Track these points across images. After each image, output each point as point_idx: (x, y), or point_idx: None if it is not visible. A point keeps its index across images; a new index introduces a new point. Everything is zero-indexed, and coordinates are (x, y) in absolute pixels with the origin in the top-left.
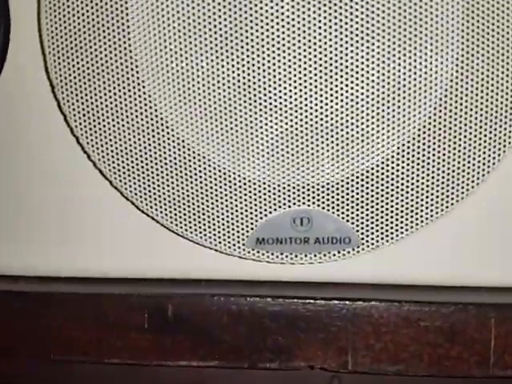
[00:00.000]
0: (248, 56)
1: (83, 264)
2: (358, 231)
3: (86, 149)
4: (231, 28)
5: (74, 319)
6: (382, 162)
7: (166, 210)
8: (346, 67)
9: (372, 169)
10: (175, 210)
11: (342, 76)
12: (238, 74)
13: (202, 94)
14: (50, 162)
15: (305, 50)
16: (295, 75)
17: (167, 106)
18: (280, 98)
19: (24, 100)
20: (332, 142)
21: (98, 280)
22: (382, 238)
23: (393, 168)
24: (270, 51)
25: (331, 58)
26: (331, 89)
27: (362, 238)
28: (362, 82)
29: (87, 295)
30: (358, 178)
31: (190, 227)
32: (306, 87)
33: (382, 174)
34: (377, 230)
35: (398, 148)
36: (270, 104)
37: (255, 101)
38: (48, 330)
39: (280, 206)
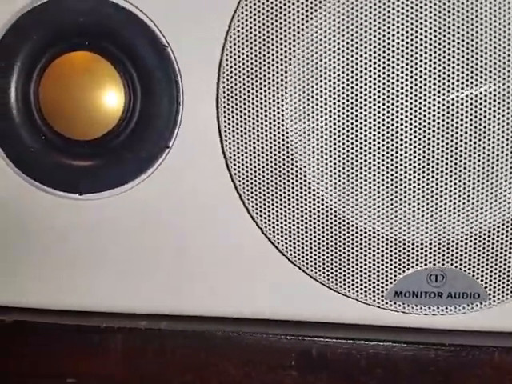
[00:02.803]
0: (382, 126)
1: (235, 306)
2: (486, 287)
3: (251, 212)
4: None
5: (227, 357)
6: (508, 221)
7: (317, 265)
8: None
9: (499, 226)
10: (325, 265)
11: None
12: (377, 147)
13: (348, 168)
14: (214, 220)
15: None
16: (422, 137)
17: (318, 176)
18: (416, 159)
19: (197, 169)
20: (463, 201)
21: (248, 320)
22: (508, 294)
23: None
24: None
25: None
26: (459, 150)
27: (489, 294)
28: (489, 142)
29: (242, 335)
30: (487, 235)
31: (337, 279)
32: (433, 147)
33: (509, 231)
34: (503, 287)
35: None
36: (408, 167)
37: (397, 168)
38: (206, 366)
39: (417, 264)
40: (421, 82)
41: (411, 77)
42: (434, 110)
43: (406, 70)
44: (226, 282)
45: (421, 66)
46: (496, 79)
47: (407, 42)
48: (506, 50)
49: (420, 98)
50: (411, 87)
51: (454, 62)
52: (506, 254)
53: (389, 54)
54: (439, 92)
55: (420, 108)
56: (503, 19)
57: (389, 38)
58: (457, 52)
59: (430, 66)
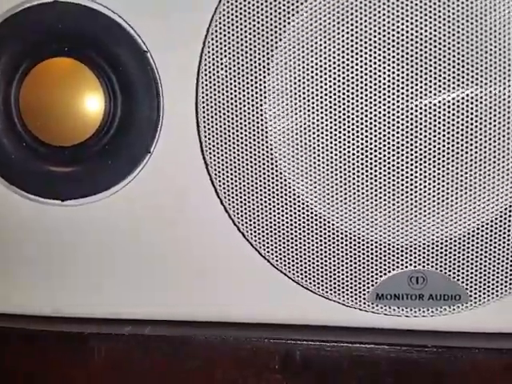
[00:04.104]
0: (361, 131)
1: (220, 310)
2: (466, 289)
3: (232, 216)
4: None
5: (211, 361)
6: (488, 223)
7: (299, 269)
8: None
9: (478, 229)
10: (307, 268)
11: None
12: (358, 150)
13: (329, 170)
14: (196, 224)
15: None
16: (408, 146)
17: (299, 179)
18: (396, 161)
19: (179, 174)
20: (443, 204)
21: (232, 324)
22: (489, 295)
23: (499, 228)
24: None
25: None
26: (439, 153)
27: (471, 295)
28: (471, 147)
29: (226, 339)
30: (467, 237)
31: (319, 283)
32: (414, 149)
33: (489, 233)
34: (484, 288)
35: (503, 210)
36: (388, 169)
37: (377, 170)
38: (190, 370)
39: (398, 267)
40: (405, 83)
41: (395, 78)
42: (413, 113)
43: (389, 72)
44: (209, 287)
45: (405, 68)
46: (482, 83)
47: (393, 44)
48: (492, 55)
49: (402, 99)
50: (394, 88)
51: (439, 65)
52: (485, 256)
53: (372, 56)
54: (422, 94)
55: (399, 110)
56: (490, 25)
57: (372, 40)
58: (443, 55)
59: (414, 68)
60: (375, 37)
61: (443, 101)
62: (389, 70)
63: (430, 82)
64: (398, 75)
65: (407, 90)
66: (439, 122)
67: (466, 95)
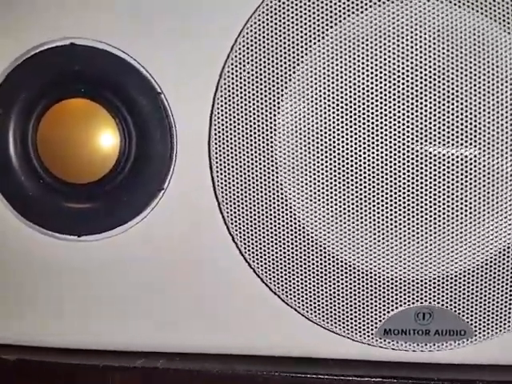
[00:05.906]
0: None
1: (231, 344)
2: (471, 325)
3: (243, 253)
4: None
5: None
6: (492, 259)
7: (308, 304)
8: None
9: (482, 266)
10: (316, 303)
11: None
12: (366, 187)
13: (339, 209)
14: (207, 260)
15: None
16: (409, 177)
17: (309, 217)
18: (403, 198)
19: (192, 211)
20: (447, 241)
21: (242, 357)
22: (493, 330)
23: (503, 264)
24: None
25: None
26: (443, 191)
27: (475, 330)
28: (474, 185)
29: (237, 372)
30: (471, 273)
31: (328, 317)
32: (421, 189)
33: (492, 270)
34: (488, 324)
35: (506, 246)
36: (395, 206)
37: (385, 207)
38: None
39: (405, 303)
40: (409, 131)
41: (406, 121)
42: (415, 158)
43: (395, 116)
44: (220, 321)
45: (417, 116)
46: (473, 144)
47: (397, 93)
48: (488, 120)
49: (412, 143)
50: (405, 132)
51: (454, 121)
52: (489, 292)
53: (378, 101)
54: (428, 142)
55: (405, 154)
56: (489, 91)
57: (387, 83)
58: (446, 111)
59: (423, 119)
60: (389, 78)
61: (451, 151)
62: (402, 113)
63: (439, 133)
64: (407, 121)
65: (416, 136)
66: (447, 169)
67: (470, 154)
